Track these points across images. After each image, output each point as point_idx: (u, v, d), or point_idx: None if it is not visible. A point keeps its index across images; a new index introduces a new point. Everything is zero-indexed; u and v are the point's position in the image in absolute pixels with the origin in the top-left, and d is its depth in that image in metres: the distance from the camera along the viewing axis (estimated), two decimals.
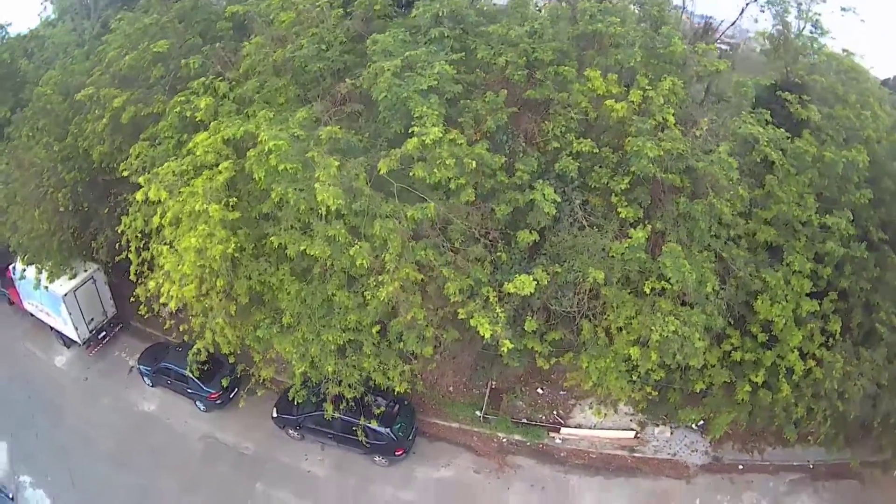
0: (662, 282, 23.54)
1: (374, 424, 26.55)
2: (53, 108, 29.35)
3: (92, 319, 31.25)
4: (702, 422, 27.74)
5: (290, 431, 28.76)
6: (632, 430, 28.04)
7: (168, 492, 27.52)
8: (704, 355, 24.25)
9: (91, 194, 28.77)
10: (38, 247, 29.26)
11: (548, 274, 23.49)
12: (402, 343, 24.22)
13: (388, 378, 24.93)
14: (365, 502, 27.00)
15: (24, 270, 30.52)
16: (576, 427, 28.37)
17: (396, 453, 27.48)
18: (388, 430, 27.04)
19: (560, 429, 28.30)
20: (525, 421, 28.50)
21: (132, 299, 26.27)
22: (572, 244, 24.02)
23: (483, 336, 22.56)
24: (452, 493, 27.12)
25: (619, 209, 24.21)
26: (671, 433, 27.93)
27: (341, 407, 26.68)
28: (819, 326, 24.60)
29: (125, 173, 25.70)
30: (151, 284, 24.75)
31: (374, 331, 24.39)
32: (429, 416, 29.42)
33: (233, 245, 22.75)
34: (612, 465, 27.58)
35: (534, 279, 22.57)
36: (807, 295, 24.46)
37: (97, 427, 29.61)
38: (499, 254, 24.00)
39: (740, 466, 26.96)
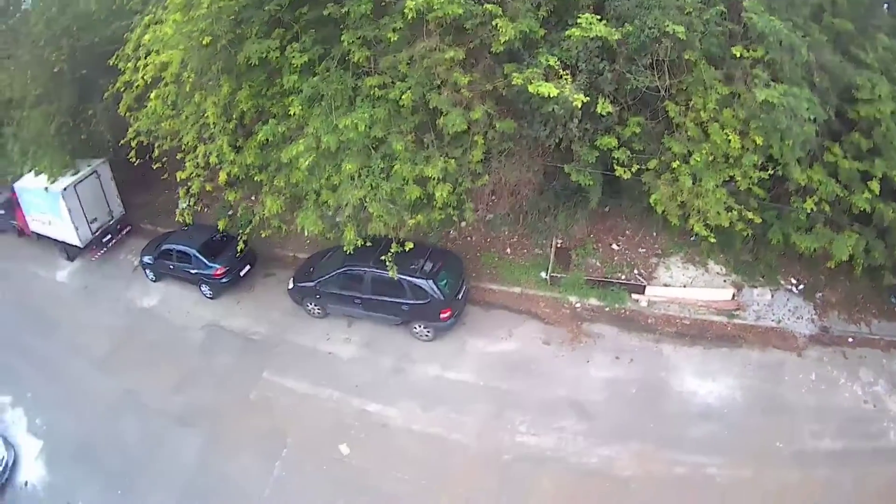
0: (752, 49, 14.64)
1: (412, 278, 17.08)
2: None
3: (95, 219, 22.11)
4: (801, 286, 17.76)
5: (310, 305, 18.89)
6: (729, 290, 17.82)
7: (157, 392, 17.84)
8: (807, 172, 15.15)
9: (91, 62, 20.06)
10: (35, 140, 20.96)
11: (615, 29, 14.30)
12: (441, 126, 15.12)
13: (431, 196, 15.45)
14: (401, 386, 16.96)
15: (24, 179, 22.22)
16: (664, 285, 18.11)
17: (442, 317, 17.25)
18: (430, 283, 17.06)
19: (645, 289, 18.01)
20: (602, 279, 18.33)
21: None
22: (639, 2, 14.86)
23: (547, 100, 13.90)
24: (517, 369, 16.88)
25: None
26: (772, 296, 17.64)
27: (370, 262, 17.37)
28: None
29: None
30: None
31: (408, 124, 15.37)
32: (482, 282, 19.18)
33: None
34: (709, 333, 17.28)
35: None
36: None
37: (90, 333, 20.09)
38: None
39: (850, 339, 16.79)
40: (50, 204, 21.51)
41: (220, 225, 18.18)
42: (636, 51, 14.93)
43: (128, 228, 23.10)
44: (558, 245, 18.89)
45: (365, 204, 15.19)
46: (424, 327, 17.64)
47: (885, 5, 17.11)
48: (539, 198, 18.23)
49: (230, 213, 20.01)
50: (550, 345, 17.39)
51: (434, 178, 15.01)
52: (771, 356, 16.72)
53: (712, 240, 15.99)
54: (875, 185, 15.15)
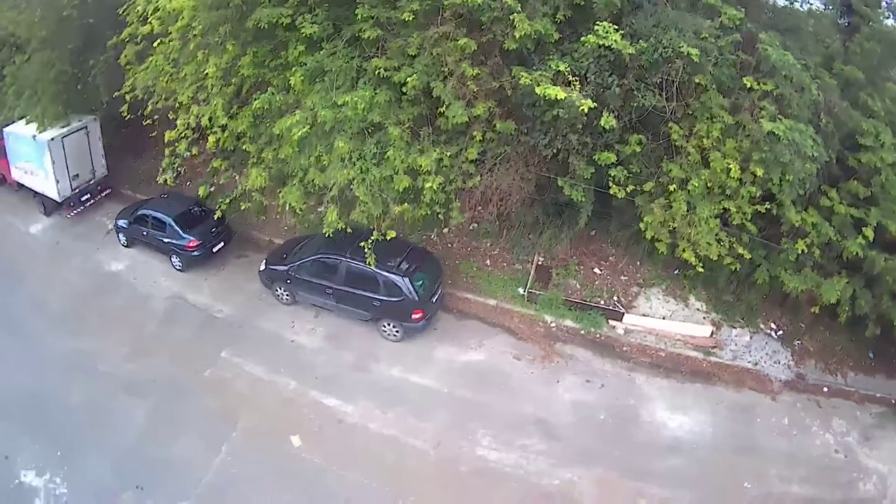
0: (762, 82, 14.16)
1: (387, 274, 16.06)
2: None
3: (77, 176, 20.72)
4: (780, 332, 16.99)
5: (279, 290, 17.64)
6: (708, 327, 16.92)
7: (110, 357, 16.43)
8: (802, 214, 14.65)
9: (100, 11, 18.77)
10: (32, 86, 19.61)
11: (630, 43, 13.76)
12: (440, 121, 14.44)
13: (419, 191, 14.49)
14: (362, 383, 15.75)
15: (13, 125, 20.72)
16: (643, 315, 17.13)
17: (414, 317, 16.11)
18: (406, 280, 15.98)
19: (623, 316, 17.04)
20: (580, 302, 17.29)
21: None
22: (657, 21, 14.33)
23: (553, 104, 13.38)
24: (484, 381, 15.80)
25: None
26: (750, 338, 16.84)
27: (346, 252, 16.28)
28: None
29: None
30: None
31: (406, 114, 14.47)
32: (458, 290, 18.06)
33: None
34: (684, 367, 16.35)
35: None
36: None
37: (54, 291, 18.68)
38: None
39: (825, 388, 16.04)
40: (35, 153, 20.16)
41: (201, 191, 17.02)
42: (648, 68, 14.23)
43: (108, 191, 21.72)
44: (539, 262, 17.95)
45: (352, 187, 14.16)
46: (394, 326, 16.47)
47: None
48: (527, 211, 17.27)
49: (212, 185, 18.83)
50: (521, 360, 16.29)
51: (426, 170, 14.05)
52: (745, 397, 15.84)
53: (700, 269, 15.17)
54: (869, 232, 14.63)
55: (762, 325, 17.19)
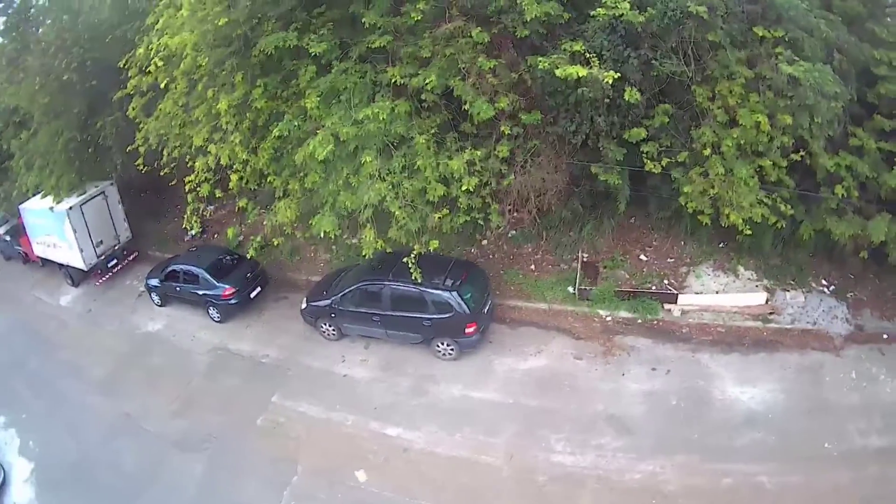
0: (772, 30, 13.44)
1: (434, 291, 15.02)
2: None
3: (101, 242, 20.06)
4: (832, 287, 15.94)
5: (324, 326, 16.59)
6: (762, 293, 15.84)
7: (158, 415, 15.68)
8: (834, 159, 14.03)
9: (101, 73, 18.17)
10: (43, 157, 19.17)
11: (639, 12, 13.04)
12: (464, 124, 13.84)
13: (455, 200, 13.76)
14: (423, 408, 14.70)
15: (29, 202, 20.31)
16: (696, 293, 16.03)
17: (467, 331, 15.01)
18: (454, 295, 14.90)
19: (677, 298, 15.92)
20: (632, 290, 16.23)
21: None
22: None
23: (576, 83, 12.78)
24: (548, 386, 14.69)
25: None
26: (804, 298, 15.71)
27: (389, 275, 15.42)
28: None
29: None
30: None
31: (429, 123, 13.83)
32: (507, 300, 16.99)
33: None
34: (746, 339, 15.24)
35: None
36: None
37: (92, 355, 18.04)
38: None
39: (884, 336, 14.90)
40: (55, 224, 19.58)
41: (230, 234, 16.29)
42: (660, 35, 13.49)
43: (134, 254, 21.04)
44: (584, 259, 16.96)
45: (385, 203, 13.33)
46: (448, 345, 15.43)
47: None
48: (565, 206, 16.40)
49: (241, 226, 18.01)
50: (583, 360, 15.22)
51: (459, 174, 13.22)
52: (810, 358, 14.75)
53: (748, 232, 14.25)
54: None
55: (813, 284, 16.16)
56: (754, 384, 14.29)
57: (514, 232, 17.82)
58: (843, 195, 14.20)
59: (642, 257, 16.98)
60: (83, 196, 19.56)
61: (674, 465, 12.91)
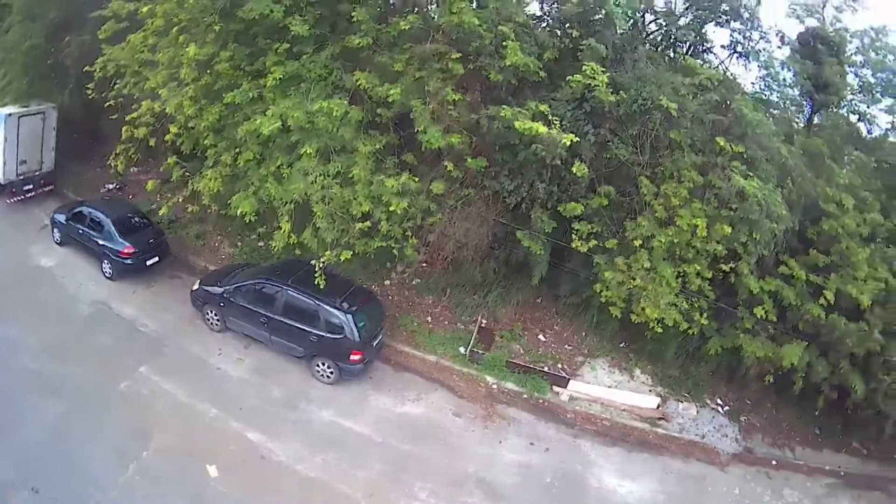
0: (733, 145, 13.42)
1: (330, 308, 13.82)
2: None
3: (24, 161, 18.19)
4: (727, 407, 15.67)
5: (210, 313, 15.06)
6: (655, 398, 15.32)
7: (30, 347, 13.83)
8: (760, 283, 14.03)
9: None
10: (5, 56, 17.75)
11: (612, 93, 12.99)
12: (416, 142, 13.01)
13: (375, 225, 12.83)
14: (290, 422, 13.30)
15: None
16: (587, 383, 15.27)
17: (352, 358, 13.83)
18: (348, 318, 13.75)
19: (568, 383, 15.14)
20: (524, 365, 15.31)
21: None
22: (638, 75, 13.62)
23: (530, 141, 12.38)
24: (422, 435, 13.56)
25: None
26: (697, 412, 15.33)
27: (288, 281, 14.18)
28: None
29: None
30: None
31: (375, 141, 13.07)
32: (397, 343, 15.83)
33: None
34: (631, 437, 14.58)
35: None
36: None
37: None
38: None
39: (773, 462, 14.64)
40: None
41: (149, 186, 14.77)
42: (625, 120, 13.35)
43: (51, 186, 19.06)
44: (482, 324, 16.08)
45: (311, 201, 12.45)
46: (328, 367, 14.13)
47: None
48: (477, 267, 15.66)
49: (161, 184, 16.11)
50: (461, 418, 14.13)
51: (393, 191, 12.37)
52: (694, 467, 14.15)
53: (659, 329, 13.78)
54: (830, 295, 13.71)
55: (708, 401, 15.74)
56: (634, 480, 13.55)
57: (418, 280, 16.94)
58: (761, 317, 14.02)
59: (541, 337, 16.25)
60: (24, 109, 17.80)
61: None
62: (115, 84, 15.12)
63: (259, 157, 13.07)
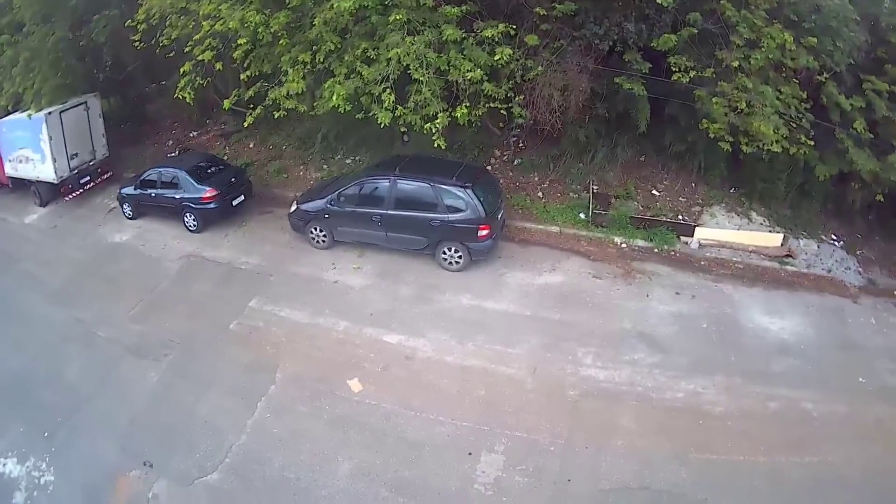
0: None
1: (447, 186, 11.76)
2: None
3: (76, 155, 15.91)
4: (841, 242, 13.59)
5: (314, 231, 12.95)
6: (779, 235, 13.26)
7: (114, 321, 11.62)
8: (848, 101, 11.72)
9: None
10: (30, 60, 15.12)
11: None
12: None
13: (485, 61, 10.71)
14: (427, 315, 11.22)
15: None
16: (712, 229, 13.27)
17: (481, 234, 11.70)
18: (468, 192, 11.68)
19: (694, 230, 13.16)
20: (649, 218, 13.41)
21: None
22: None
23: None
24: (569, 301, 11.49)
25: None
26: (818, 247, 13.30)
27: (395, 170, 12.16)
28: None
29: None
30: None
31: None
32: (515, 220, 13.74)
33: None
34: (765, 276, 12.53)
35: None
36: None
37: (50, 267, 13.71)
38: None
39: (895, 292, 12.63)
40: (31, 134, 15.46)
41: (226, 104, 12.47)
42: None
43: (108, 174, 16.73)
44: (595, 190, 14.06)
45: (409, 71, 10.49)
46: (456, 251, 12.05)
47: None
48: (581, 130, 13.64)
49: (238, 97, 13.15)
50: (602, 279, 12.07)
51: (494, 39, 10.45)
52: (829, 301, 12.09)
53: (776, 150, 11.60)
54: None
55: (823, 237, 13.73)
56: (781, 316, 11.47)
57: (519, 160, 14.88)
58: (860, 132, 11.96)
59: (654, 192, 14.16)
60: (65, 105, 15.57)
61: (717, 386, 9.81)
62: (160, 35, 13.07)
63: (339, 47, 11.09)
